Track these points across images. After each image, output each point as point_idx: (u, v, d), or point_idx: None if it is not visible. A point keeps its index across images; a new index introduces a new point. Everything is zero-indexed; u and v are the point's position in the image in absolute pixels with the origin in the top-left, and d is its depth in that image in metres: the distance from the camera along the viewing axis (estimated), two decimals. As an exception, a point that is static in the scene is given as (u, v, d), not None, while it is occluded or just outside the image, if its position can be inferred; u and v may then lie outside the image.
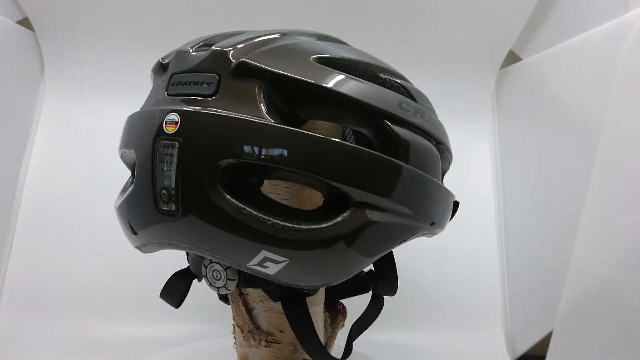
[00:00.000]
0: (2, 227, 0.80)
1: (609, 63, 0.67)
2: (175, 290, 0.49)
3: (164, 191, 0.36)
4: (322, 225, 0.36)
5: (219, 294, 0.53)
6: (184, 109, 0.37)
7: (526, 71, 0.91)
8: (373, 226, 0.37)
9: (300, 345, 0.49)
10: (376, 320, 0.51)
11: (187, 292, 0.52)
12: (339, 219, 0.36)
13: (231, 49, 0.38)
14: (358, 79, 0.39)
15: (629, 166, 0.61)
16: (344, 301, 0.57)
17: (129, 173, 0.48)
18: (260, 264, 0.37)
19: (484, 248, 0.91)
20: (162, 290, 0.50)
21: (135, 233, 0.43)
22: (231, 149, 0.35)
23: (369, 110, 0.38)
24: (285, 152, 0.35)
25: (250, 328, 0.49)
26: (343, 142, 0.36)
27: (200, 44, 0.41)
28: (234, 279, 0.40)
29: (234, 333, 0.53)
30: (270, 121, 0.35)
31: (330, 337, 0.55)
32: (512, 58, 0.95)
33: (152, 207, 0.37)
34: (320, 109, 0.39)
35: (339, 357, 0.47)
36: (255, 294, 0.49)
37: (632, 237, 0.59)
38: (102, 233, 0.82)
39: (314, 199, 0.45)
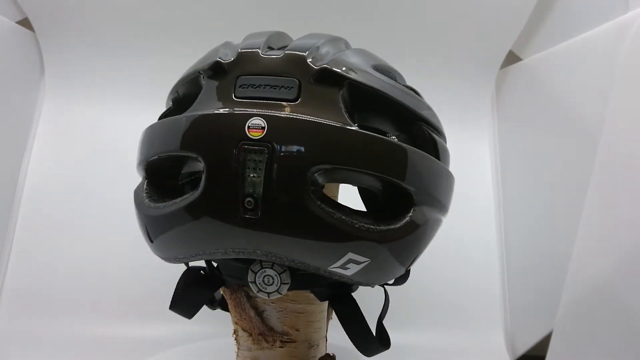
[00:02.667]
0: (2, 227, 0.80)
1: (609, 63, 0.67)
2: (193, 301, 0.48)
3: (249, 199, 0.35)
4: (398, 225, 0.39)
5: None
6: (270, 113, 0.35)
7: (526, 71, 0.91)
8: (427, 223, 0.41)
9: (314, 342, 0.50)
10: (375, 320, 0.51)
11: (207, 302, 0.51)
12: (407, 218, 0.39)
13: (306, 53, 0.38)
14: (400, 86, 0.42)
15: (629, 166, 0.61)
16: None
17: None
18: (342, 266, 0.38)
19: (484, 248, 0.91)
20: (174, 301, 0.48)
21: (152, 241, 0.42)
22: (326, 155, 0.35)
23: (416, 117, 0.42)
24: (373, 158, 0.37)
25: (261, 330, 0.49)
26: (417, 149, 0.40)
27: (263, 45, 0.40)
28: (287, 283, 0.40)
29: (235, 338, 0.52)
30: (354, 127, 0.37)
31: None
32: (512, 58, 0.95)
33: (230, 215, 0.36)
34: (375, 114, 0.41)
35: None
36: None
37: (632, 237, 0.59)
38: (103, 233, 0.82)
39: None
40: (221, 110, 0.37)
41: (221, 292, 0.51)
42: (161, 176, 0.44)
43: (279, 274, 0.40)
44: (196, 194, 0.37)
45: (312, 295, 0.49)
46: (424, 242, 0.43)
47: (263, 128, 0.35)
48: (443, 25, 0.90)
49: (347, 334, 0.45)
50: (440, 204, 0.43)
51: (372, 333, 0.45)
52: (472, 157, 0.94)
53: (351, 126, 0.37)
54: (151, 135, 0.43)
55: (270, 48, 0.40)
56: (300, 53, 0.38)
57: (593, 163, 0.66)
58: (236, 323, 0.51)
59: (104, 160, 0.85)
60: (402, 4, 0.87)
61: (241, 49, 0.39)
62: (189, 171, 0.45)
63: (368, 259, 0.38)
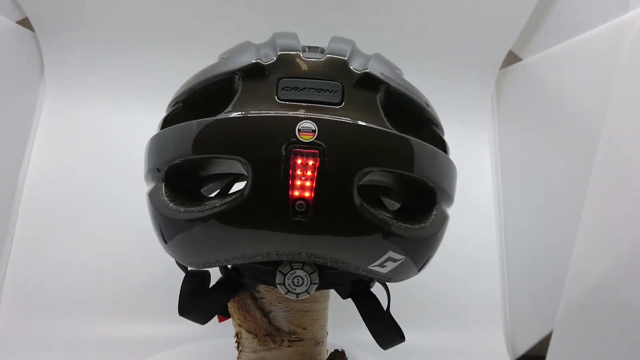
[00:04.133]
0: (2, 227, 0.80)
1: (609, 63, 0.67)
2: (211, 307, 0.47)
3: (300, 202, 0.35)
4: (427, 224, 0.41)
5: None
6: (319, 116, 0.36)
7: (526, 71, 0.91)
8: (446, 219, 0.44)
9: (320, 339, 0.52)
10: None
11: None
12: (432, 217, 0.42)
13: (346, 58, 0.39)
14: (417, 90, 0.44)
15: (629, 166, 0.61)
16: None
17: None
18: (381, 264, 0.39)
19: (484, 248, 0.91)
20: (187, 308, 0.47)
21: (165, 242, 0.41)
22: (374, 158, 0.37)
23: (428, 119, 0.45)
24: (415, 161, 0.39)
25: (267, 331, 0.49)
26: (440, 150, 0.42)
27: (300, 47, 0.40)
28: (316, 283, 0.40)
29: (237, 341, 0.52)
30: (394, 131, 0.39)
31: None
32: (512, 58, 0.95)
33: (280, 218, 0.36)
34: (399, 117, 0.42)
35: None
36: (272, 297, 0.49)
37: (632, 237, 0.59)
38: (103, 233, 0.82)
39: None
40: (268, 113, 0.37)
41: None
42: (181, 179, 0.42)
43: (309, 275, 0.40)
44: (241, 197, 0.36)
45: (317, 293, 0.49)
46: (442, 237, 0.45)
47: (314, 131, 0.35)
48: (443, 26, 0.90)
49: (369, 328, 0.47)
50: (452, 200, 0.45)
51: (392, 326, 0.47)
52: (472, 157, 0.94)
53: (392, 130, 0.38)
54: (174, 138, 0.41)
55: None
56: (342, 57, 0.39)
57: (593, 163, 0.66)
58: (239, 325, 0.51)
59: (104, 160, 0.85)
60: (402, 4, 0.87)
61: (280, 51, 0.39)
62: (209, 174, 0.45)
63: (403, 257, 0.40)
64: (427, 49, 0.91)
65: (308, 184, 0.35)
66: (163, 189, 0.41)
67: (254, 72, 0.39)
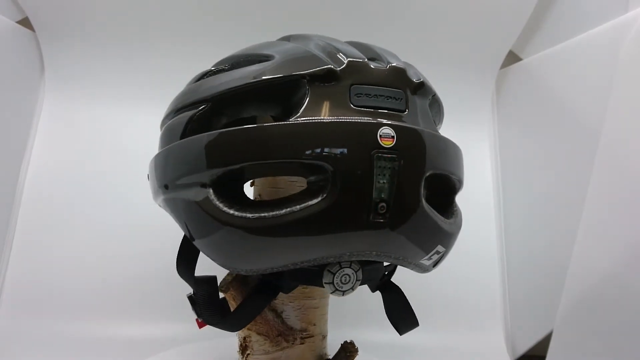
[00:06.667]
0: (2, 227, 0.80)
1: (609, 63, 0.67)
2: (249, 314, 0.47)
3: (382, 204, 0.36)
4: (457, 217, 0.45)
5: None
6: (396, 123, 0.38)
7: (526, 71, 0.91)
8: (461, 213, 0.47)
9: (325, 332, 0.53)
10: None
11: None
12: (456, 211, 0.46)
13: (404, 67, 0.42)
14: None
15: (629, 166, 0.61)
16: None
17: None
18: (429, 257, 0.43)
19: (484, 248, 0.91)
20: (221, 318, 0.46)
21: (194, 238, 0.41)
22: (437, 162, 0.40)
23: (439, 121, 0.49)
24: (459, 163, 0.45)
25: (280, 331, 0.49)
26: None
27: (362, 55, 0.41)
28: (360, 279, 0.42)
29: (244, 344, 0.52)
30: (445, 136, 0.42)
31: None
32: (512, 58, 0.95)
33: (362, 220, 0.37)
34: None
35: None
36: (284, 296, 0.50)
37: (632, 237, 0.59)
38: (103, 233, 0.82)
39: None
40: (349, 118, 0.38)
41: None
42: (229, 184, 0.40)
43: (355, 272, 0.42)
44: (324, 201, 0.36)
45: (323, 289, 0.49)
46: None
47: (393, 137, 0.37)
48: (443, 26, 0.90)
49: (395, 317, 0.50)
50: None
51: (414, 313, 0.50)
52: (472, 156, 0.94)
53: (442, 135, 0.42)
54: (242, 142, 0.38)
55: None
56: (401, 66, 0.41)
57: (593, 162, 0.66)
58: (249, 329, 0.50)
59: (104, 160, 0.85)
60: (402, 4, 0.87)
61: (348, 57, 0.40)
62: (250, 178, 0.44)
63: (445, 249, 0.43)
64: (427, 49, 0.91)
65: (387, 186, 0.37)
66: (212, 195, 0.39)
67: (326, 77, 0.38)
